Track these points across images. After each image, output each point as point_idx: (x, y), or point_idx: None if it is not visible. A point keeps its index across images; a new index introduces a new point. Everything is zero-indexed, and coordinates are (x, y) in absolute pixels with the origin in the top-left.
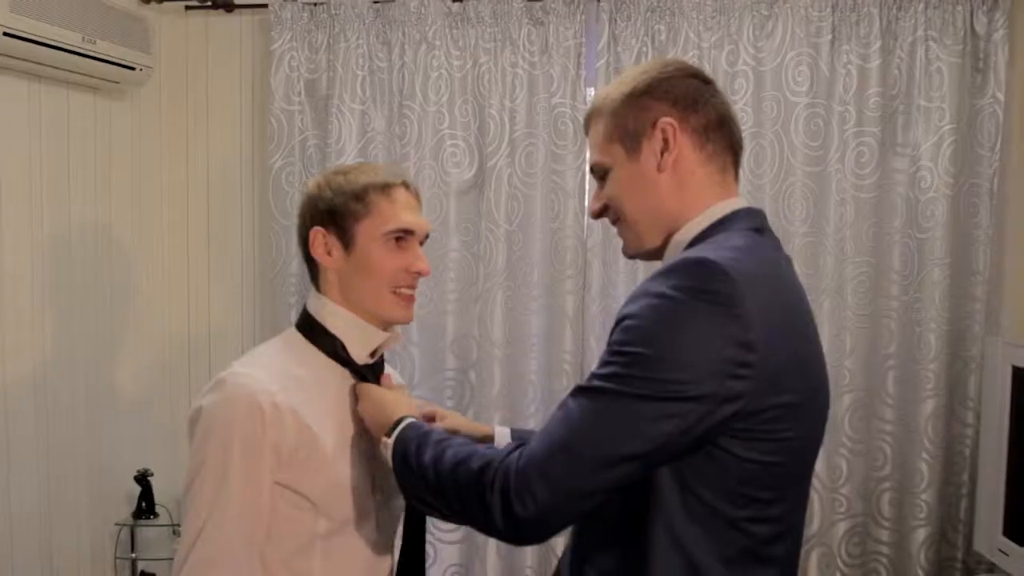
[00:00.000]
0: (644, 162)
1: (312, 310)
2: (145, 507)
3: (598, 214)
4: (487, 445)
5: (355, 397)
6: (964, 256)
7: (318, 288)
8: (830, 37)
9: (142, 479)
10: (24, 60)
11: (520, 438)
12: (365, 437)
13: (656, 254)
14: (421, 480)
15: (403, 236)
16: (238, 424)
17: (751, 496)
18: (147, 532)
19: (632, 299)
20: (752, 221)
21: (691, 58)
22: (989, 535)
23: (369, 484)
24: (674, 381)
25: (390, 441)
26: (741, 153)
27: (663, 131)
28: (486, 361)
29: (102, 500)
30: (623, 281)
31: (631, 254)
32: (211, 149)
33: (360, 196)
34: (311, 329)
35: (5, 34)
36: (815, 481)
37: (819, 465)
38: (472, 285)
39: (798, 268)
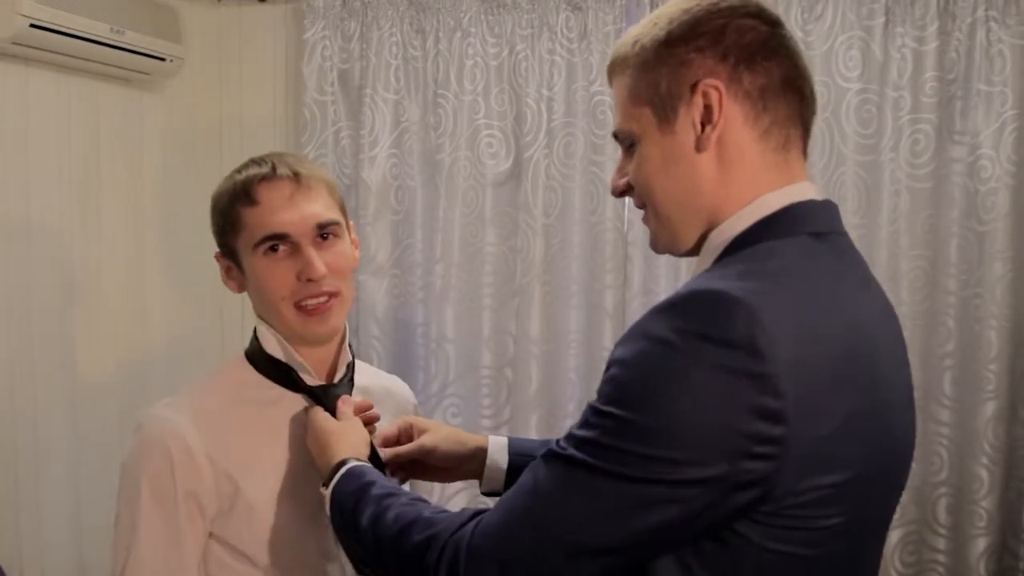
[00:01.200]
0: (680, 136)
1: (258, 335)
2: None
3: (621, 192)
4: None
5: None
6: None
7: (254, 309)
8: (883, 19)
9: None
10: (51, 52)
11: (520, 453)
12: (315, 476)
13: (693, 253)
14: (359, 544)
15: (277, 243)
16: (146, 473)
17: None
18: None
19: (627, 337)
20: (814, 220)
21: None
22: None
23: (315, 536)
24: (669, 461)
25: (327, 492)
26: (812, 121)
27: (705, 96)
28: (523, 358)
29: None
30: (665, 276)
31: (661, 250)
32: (244, 141)
33: (226, 209)
34: (257, 356)
35: (31, 25)
36: None
37: None
38: (509, 280)
39: None
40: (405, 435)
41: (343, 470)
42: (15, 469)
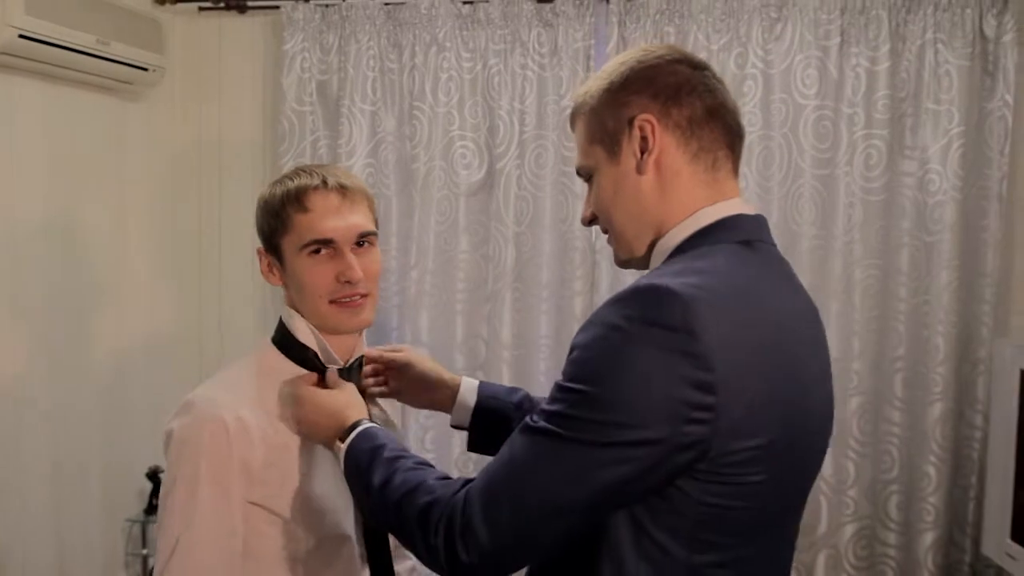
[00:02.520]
0: (624, 164)
1: (285, 322)
2: (156, 504)
3: (589, 221)
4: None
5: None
6: (972, 259)
7: (286, 301)
8: (839, 40)
9: (153, 476)
10: (39, 62)
11: (488, 395)
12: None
13: (644, 263)
14: (369, 500)
15: (322, 247)
16: (205, 443)
17: (711, 541)
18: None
19: (585, 326)
20: (742, 231)
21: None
22: (997, 539)
23: (347, 499)
24: (621, 424)
25: (343, 447)
26: (740, 144)
27: (641, 128)
28: (495, 362)
29: (113, 496)
30: (631, 282)
31: (623, 264)
32: (223, 150)
33: (277, 211)
34: (284, 341)
35: (20, 36)
36: (822, 484)
37: (826, 467)
38: (481, 286)
39: (805, 271)
40: (390, 361)
41: (359, 430)
42: None
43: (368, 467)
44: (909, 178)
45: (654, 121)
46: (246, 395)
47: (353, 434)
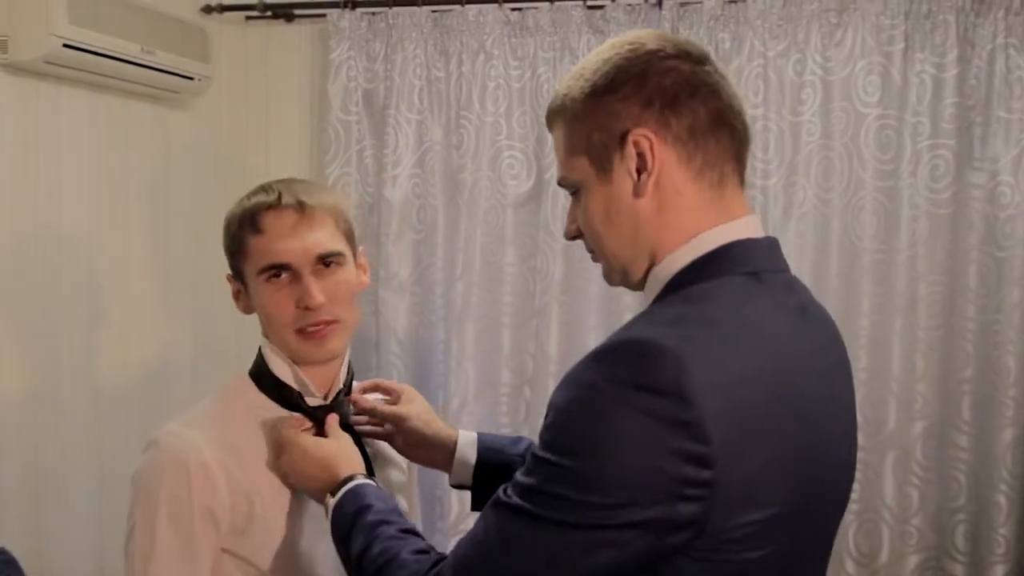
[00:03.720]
0: (618, 184)
1: (263, 354)
2: None
3: (573, 236)
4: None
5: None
6: None
7: (262, 330)
8: (903, 45)
9: None
10: (83, 71)
11: (490, 449)
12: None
13: (641, 286)
14: (348, 565)
15: (280, 271)
16: (164, 488)
17: None
18: None
19: (562, 384)
20: (749, 261)
21: (755, 68)
22: None
23: (325, 549)
24: (604, 506)
25: (332, 501)
26: (747, 151)
27: (637, 145)
28: (542, 377)
29: None
30: None
31: (615, 284)
32: (269, 159)
33: (235, 235)
34: (260, 374)
35: (64, 45)
36: (884, 512)
37: (889, 494)
38: (528, 299)
39: (867, 287)
40: (395, 396)
41: (347, 487)
42: (36, 472)
43: (349, 532)
44: (978, 190)
45: (651, 136)
46: (215, 434)
47: (341, 492)
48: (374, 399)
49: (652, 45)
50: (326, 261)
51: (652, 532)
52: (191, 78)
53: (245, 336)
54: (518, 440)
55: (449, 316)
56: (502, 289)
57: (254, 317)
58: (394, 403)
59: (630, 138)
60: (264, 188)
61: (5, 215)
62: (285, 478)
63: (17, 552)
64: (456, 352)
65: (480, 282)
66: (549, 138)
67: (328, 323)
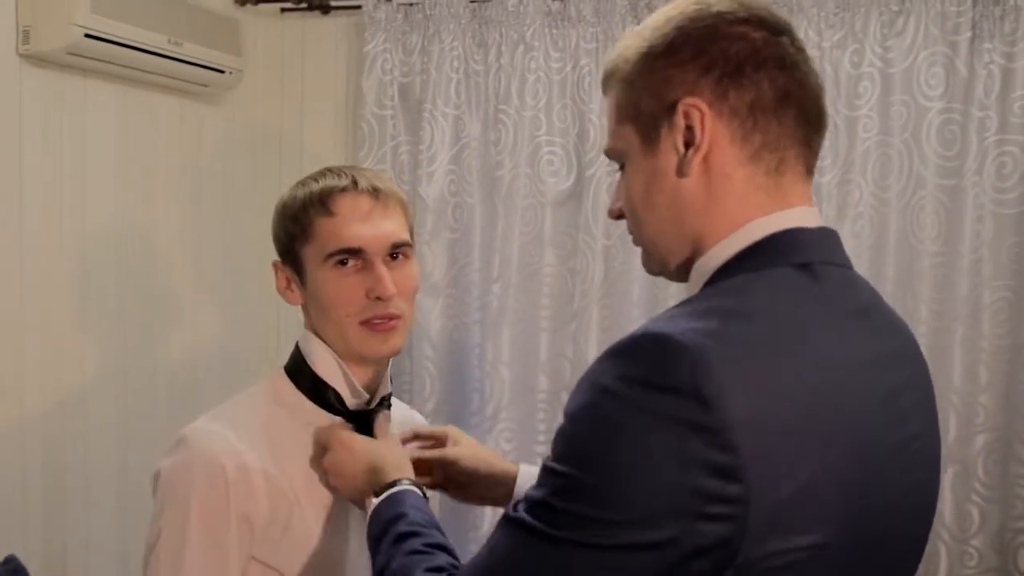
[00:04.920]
0: (662, 159)
1: (302, 349)
2: None
3: (618, 215)
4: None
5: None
6: None
7: (305, 324)
8: (969, 35)
9: None
10: (108, 62)
11: None
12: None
13: (683, 276)
14: (375, 573)
15: (349, 257)
16: (197, 491)
17: None
18: None
19: (577, 387)
20: (800, 251)
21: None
22: None
23: (366, 558)
24: (618, 523)
25: (373, 504)
26: (820, 139)
27: (687, 116)
28: None
29: None
30: None
31: (653, 273)
32: (303, 154)
33: (298, 216)
34: (298, 373)
35: (87, 35)
36: (942, 531)
37: (948, 513)
38: (567, 303)
39: (927, 293)
40: (439, 440)
41: (390, 492)
42: (61, 477)
43: (378, 540)
44: None
45: (704, 108)
46: (252, 434)
47: (383, 496)
48: (413, 447)
49: (722, 6)
50: (396, 252)
51: (673, 555)
52: (222, 71)
53: (279, 331)
54: None
55: (485, 319)
56: (540, 291)
57: (290, 312)
58: (440, 447)
59: (680, 107)
60: (332, 171)
61: (30, 210)
62: (326, 477)
63: (39, 558)
64: (491, 357)
65: (517, 284)
66: (591, 134)
67: (393, 317)
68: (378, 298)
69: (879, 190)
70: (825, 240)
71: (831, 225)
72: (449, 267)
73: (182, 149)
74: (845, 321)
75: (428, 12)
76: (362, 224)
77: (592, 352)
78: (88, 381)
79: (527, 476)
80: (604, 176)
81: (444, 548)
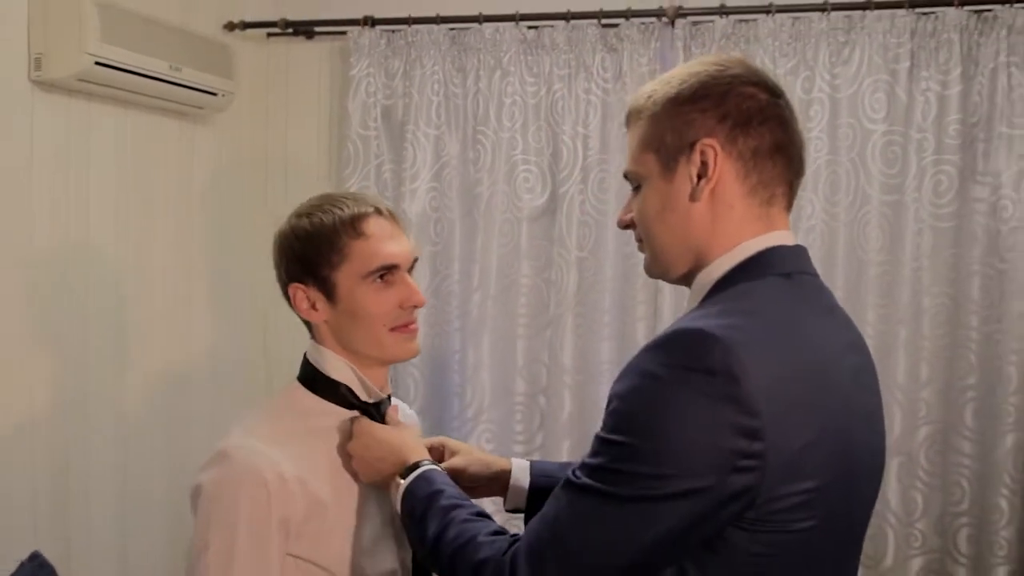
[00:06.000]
0: (678, 185)
1: (313, 361)
2: None
3: (626, 225)
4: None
5: (348, 434)
6: None
7: (314, 338)
8: (908, 64)
9: None
10: (113, 88)
11: (542, 475)
12: (379, 488)
13: (680, 282)
14: (424, 549)
15: (388, 272)
16: (243, 504)
17: None
18: None
19: (623, 374)
20: (783, 263)
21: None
22: None
23: (393, 540)
24: (665, 477)
25: (404, 484)
26: (799, 181)
27: (703, 153)
28: (556, 387)
29: (178, 518)
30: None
31: (654, 276)
32: (289, 172)
33: (330, 239)
34: (313, 379)
35: (96, 63)
36: (889, 515)
37: (894, 499)
38: (543, 311)
39: (872, 299)
40: (436, 453)
41: (419, 471)
42: (67, 472)
43: (423, 515)
44: (981, 204)
45: (718, 148)
46: (281, 443)
47: (412, 476)
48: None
49: (737, 70)
50: (411, 266)
51: (709, 501)
52: (215, 94)
53: (265, 340)
54: (568, 465)
55: (465, 327)
56: (517, 301)
57: (276, 321)
58: (439, 459)
59: (698, 146)
60: (348, 198)
61: (37, 229)
62: (351, 464)
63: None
64: (472, 362)
65: (495, 294)
66: (564, 153)
67: (413, 321)
68: (414, 306)
69: (829, 205)
70: (799, 255)
71: None
72: (431, 278)
73: (178, 169)
74: (820, 316)
75: (410, 39)
76: (392, 243)
77: (567, 357)
78: (90, 394)
79: (519, 468)
80: (576, 193)
81: (489, 517)
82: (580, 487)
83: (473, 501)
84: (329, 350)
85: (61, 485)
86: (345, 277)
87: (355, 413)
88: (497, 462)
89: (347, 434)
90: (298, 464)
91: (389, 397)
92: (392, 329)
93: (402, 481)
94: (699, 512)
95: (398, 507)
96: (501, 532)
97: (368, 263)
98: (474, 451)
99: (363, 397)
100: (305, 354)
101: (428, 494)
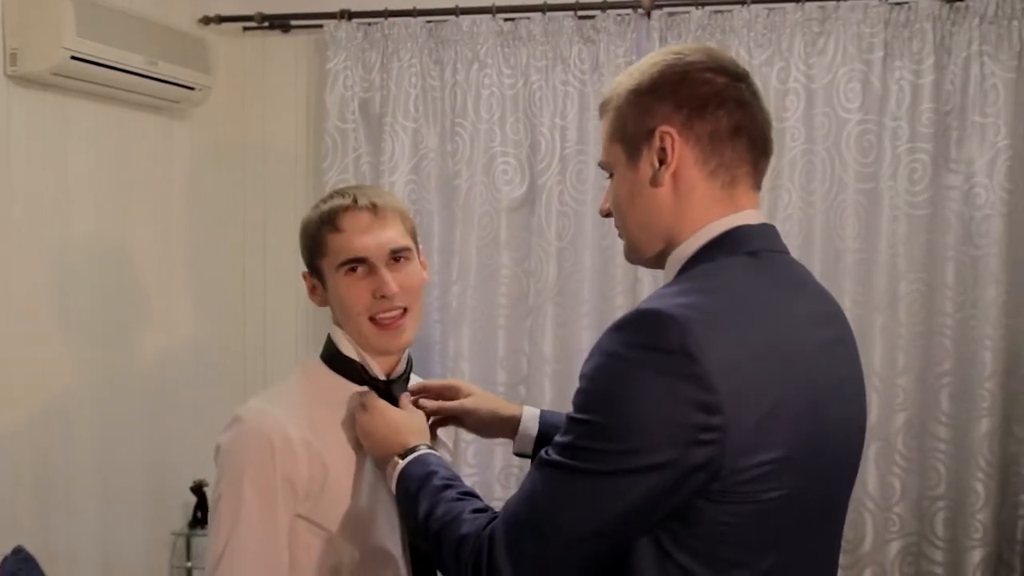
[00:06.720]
0: (642, 172)
1: (332, 339)
2: (200, 517)
3: (606, 214)
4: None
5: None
6: (1020, 273)
7: (334, 319)
8: (882, 53)
9: (198, 490)
10: (90, 82)
11: (551, 424)
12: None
13: (656, 264)
14: (414, 524)
15: (356, 265)
16: (249, 460)
17: (733, 560)
18: (202, 541)
19: (590, 355)
20: (749, 242)
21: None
22: None
23: (391, 516)
24: (629, 452)
25: (400, 465)
26: (766, 161)
27: (661, 140)
28: (536, 376)
29: (159, 509)
30: None
31: (632, 261)
32: (267, 167)
33: (314, 234)
34: (331, 356)
35: (72, 57)
36: (867, 500)
37: (872, 483)
38: (523, 301)
39: (849, 286)
40: (450, 393)
41: (416, 454)
42: (48, 466)
43: (416, 494)
44: (954, 191)
45: (674, 134)
46: (294, 411)
47: (410, 457)
48: (435, 406)
49: (695, 57)
50: (396, 256)
51: (673, 473)
52: (192, 88)
53: (244, 331)
54: None
55: (445, 318)
56: (497, 291)
57: (255, 311)
58: (453, 399)
59: (657, 133)
60: (340, 192)
61: (15, 225)
62: (356, 439)
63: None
64: (453, 353)
65: (475, 285)
66: (542, 145)
67: (402, 312)
68: (383, 296)
69: (805, 194)
70: (765, 233)
71: None
72: None
73: (155, 164)
74: (786, 291)
75: (386, 31)
76: (364, 236)
77: (547, 346)
78: (71, 382)
79: (529, 416)
80: (555, 184)
81: (476, 496)
82: (551, 463)
83: (485, 439)
84: (341, 331)
85: (43, 478)
86: (327, 268)
87: (362, 389)
88: (508, 408)
89: (355, 404)
90: (306, 429)
91: (407, 379)
92: (371, 319)
93: (400, 462)
94: (663, 485)
95: (393, 487)
96: (485, 509)
97: (338, 255)
98: (485, 396)
99: (374, 374)
100: (328, 334)
101: (423, 474)
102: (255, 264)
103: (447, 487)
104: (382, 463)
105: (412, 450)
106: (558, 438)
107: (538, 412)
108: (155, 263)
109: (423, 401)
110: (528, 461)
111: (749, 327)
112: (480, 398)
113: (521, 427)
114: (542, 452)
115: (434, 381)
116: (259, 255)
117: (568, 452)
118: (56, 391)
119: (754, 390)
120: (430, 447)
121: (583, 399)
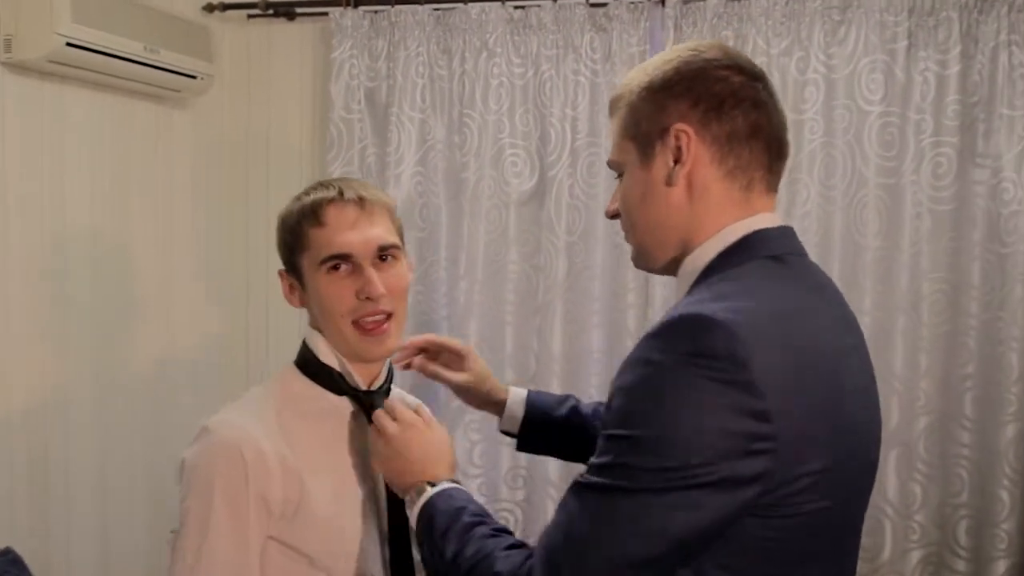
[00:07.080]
0: (655, 171)
1: (308, 344)
2: None
3: (613, 215)
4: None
5: (370, 430)
6: None
7: (310, 321)
8: (906, 43)
9: None
10: (86, 70)
11: (537, 408)
12: (369, 481)
13: (667, 271)
14: (441, 562)
15: (340, 262)
16: (219, 475)
17: (770, 575)
18: None
19: (624, 366)
20: (770, 245)
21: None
22: None
23: (376, 535)
24: (680, 467)
25: (426, 495)
26: (782, 164)
27: (677, 138)
28: (545, 375)
29: (158, 509)
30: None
31: (640, 267)
32: (271, 158)
33: (294, 228)
34: (307, 364)
35: (68, 44)
36: (887, 507)
37: (892, 491)
38: (531, 297)
39: (870, 285)
40: (456, 360)
41: (439, 488)
42: (46, 464)
43: (445, 531)
44: (981, 187)
45: (691, 132)
46: (267, 422)
47: (435, 489)
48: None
49: (711, 54)
50: (384, 254)
51: (725, 489)
52: (194, 77)
53: (247, 328)
54: (564, 400)
55: (452, 314)
56: (505, 287)
57: (258, 309)
58: (459, 368)
59: (672, 131)
60: (323, 184)
61: (11, 214)
62: (344, 452)
63: (23, 552)
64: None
65: (483, 280)
66: (552, 136)
67: (387, 316)
68: (368, 298)
69: (824, 189)
70: (784, 236)
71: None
72: (417, 265)
73: (154, 153)
74: (812, 294)
75: (393, 19)
76: (349, 232)
77: (556, 344)
78: (68, 383)
79: (515, 400)
80: (565, 177)
81: (509, 532)
82: (589, 486)
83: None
84: (320, 336)
85: (40, 477)
86: (307, 265)
87: (341, 399)
88: (493, 390)
89: (351, 422)
90: (280, 443)
91: (387, 391)
92: (355, 323)
93: (429, 489)
94: (716, 502)
95: (414, 519)
96: (519, 545)
97: (320, 251)
98: (484, 374)
99: (355, 383)
100: (303, 338)
101: (452, 509)
102: (257, 259)
103: (477, 524)
104: (404, 488)
105: (441, 482)
106: (594, 459)
107: (524, 395)
108: (155, 257)
109: (427, 365)
110: (528, 455)
111: (789, 332)
112: (478, 378)
113: (507, 411)
114: (578, 475)
115: (446, 340)
116: (262, 249)
117: (607, 472)
118: (52, 388)
119: (799, 397)
120: (454, 480)
121: (621, 414)
